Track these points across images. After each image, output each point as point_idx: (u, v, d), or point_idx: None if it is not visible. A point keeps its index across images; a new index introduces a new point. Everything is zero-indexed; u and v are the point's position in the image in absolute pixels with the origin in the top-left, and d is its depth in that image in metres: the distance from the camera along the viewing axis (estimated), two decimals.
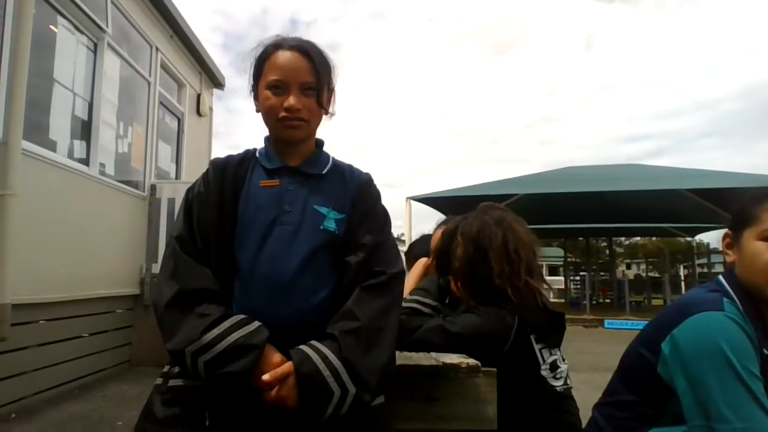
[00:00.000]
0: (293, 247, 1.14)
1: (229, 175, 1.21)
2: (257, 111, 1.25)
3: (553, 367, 1.42)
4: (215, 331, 1.03)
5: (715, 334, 1.08)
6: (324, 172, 1.25)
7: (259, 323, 1.06)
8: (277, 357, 1.04)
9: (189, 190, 1.23)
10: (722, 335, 1.07)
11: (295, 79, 1.18)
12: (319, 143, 1.30)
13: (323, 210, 1.19)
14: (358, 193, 1.26)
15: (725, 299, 1.15)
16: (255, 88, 1.25)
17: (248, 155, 1.27)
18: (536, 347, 1.41)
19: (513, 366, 1.35)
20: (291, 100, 1.16)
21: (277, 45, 1.21)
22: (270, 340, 1.06)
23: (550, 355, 1.42)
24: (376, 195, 1.30)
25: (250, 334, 1.04)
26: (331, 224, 1.18)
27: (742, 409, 1.01)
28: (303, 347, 1.05)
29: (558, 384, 1.41)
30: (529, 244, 1.50)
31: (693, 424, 1.07)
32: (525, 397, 1.37)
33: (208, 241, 1.16)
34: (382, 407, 1.13)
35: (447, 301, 1.65)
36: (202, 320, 1.04)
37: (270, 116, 1.20)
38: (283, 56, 1.19)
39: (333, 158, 1.30)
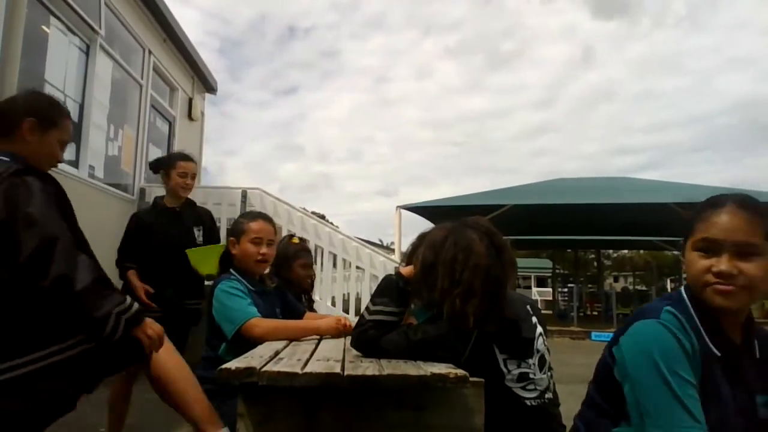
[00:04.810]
0: None
1: None
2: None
3: (522, 378, 1.40)
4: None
5: (647, 340, 1.18)
6: None
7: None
8: None
9: None
10: (654, 342, 1.17)
11: None
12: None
13: None
14: None
15: (667, 308, 1.22)
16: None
17: None
18: (500, 357, 1.40)
19: (474, 375, 1.33)
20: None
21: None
22: None
23: (518, 366, 1.40)
24: None
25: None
26: None
27: (665, 410, 1.11)
28: None
29: (530, 396, 1.39)
30: (488, 273, 1.42)
31: (634, 422, 1.18)
32: (491, 407, 1.35)
33: None
34: None
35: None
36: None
37: None
38: None
39: None
